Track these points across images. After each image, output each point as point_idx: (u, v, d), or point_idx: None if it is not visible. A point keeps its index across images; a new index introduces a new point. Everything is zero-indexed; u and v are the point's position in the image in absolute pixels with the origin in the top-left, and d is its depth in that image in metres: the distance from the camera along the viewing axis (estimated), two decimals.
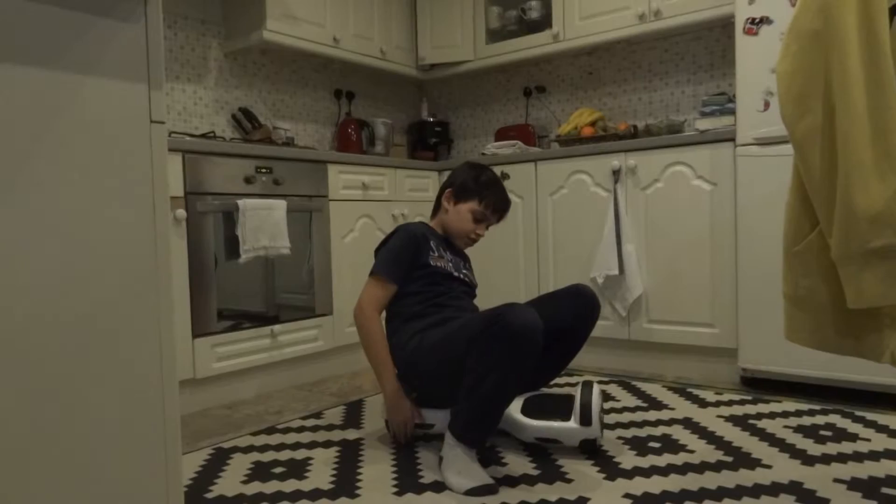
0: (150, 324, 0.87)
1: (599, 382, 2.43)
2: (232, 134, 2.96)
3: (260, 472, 1.64)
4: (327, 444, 1.83)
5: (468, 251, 2.09)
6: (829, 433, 1.78)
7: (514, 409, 1.74)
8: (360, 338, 1.82)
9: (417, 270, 1.86)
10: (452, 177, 2.01)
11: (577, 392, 1.69)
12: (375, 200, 2.87)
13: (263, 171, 2.41)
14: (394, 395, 1.77)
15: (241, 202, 2.27)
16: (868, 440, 1.72)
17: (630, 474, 1.55)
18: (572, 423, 1.65)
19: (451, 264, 1.93)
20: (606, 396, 2.23)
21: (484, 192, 1.94)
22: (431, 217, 2.07)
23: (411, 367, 1.76)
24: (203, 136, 2.68)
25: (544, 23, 3.19)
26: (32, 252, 0.76)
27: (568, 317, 1.84)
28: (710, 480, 1.50)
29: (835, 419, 1.90)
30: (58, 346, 0.78)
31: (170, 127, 2.73)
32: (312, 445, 1.83)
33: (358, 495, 1.48)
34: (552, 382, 2.38)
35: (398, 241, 1.87)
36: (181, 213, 2.12)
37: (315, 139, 3.38)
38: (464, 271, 1.97)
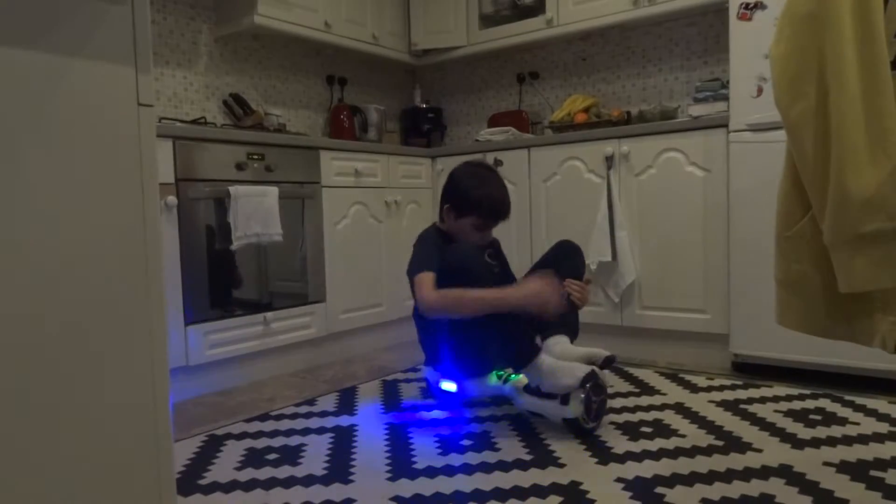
0: (140, 311, 0.87)
1: None
2: (223, 120, 2.93)
3: (253, 458, 1.64)
4: (321, 431, 1.84)
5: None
6: (818, 417, 1.80)
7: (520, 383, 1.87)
8: (456, 312, 1.78)
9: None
10: (449, 189, 2.01)
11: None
12: (368, 187, 2.85)
13: (255, 157, 2.39)
14: (533, 293, 1.76)
15: (232, 189, 2.25)
16: (857, 424, 1.73)
17: (622, 459, 1.56)
18: (555, 402, 1.73)
19: None
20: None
21: (481, 205, 1.94)
22: (440, 221, 2.08)
23: (458, 341, 1.89)
24: (194, 122, 2.66)
25: (538, 8, 3.16)
26: (17, 238, 0.75)
27: (548, 256, 2.11)
28: (702, 464, 1.51)
29: (825, 403, 1.92)
30: (44, 332, 0.77)
31: (160, 113, 2.70)
32: (306, 432, 1.83)
33: (352, 481, 1.49)
34: None
35: (421, 245, 1.96)
36: (172, 199, 2.10)
37: (307, 125, 3.35)
38: (486, 259, 2.00)
